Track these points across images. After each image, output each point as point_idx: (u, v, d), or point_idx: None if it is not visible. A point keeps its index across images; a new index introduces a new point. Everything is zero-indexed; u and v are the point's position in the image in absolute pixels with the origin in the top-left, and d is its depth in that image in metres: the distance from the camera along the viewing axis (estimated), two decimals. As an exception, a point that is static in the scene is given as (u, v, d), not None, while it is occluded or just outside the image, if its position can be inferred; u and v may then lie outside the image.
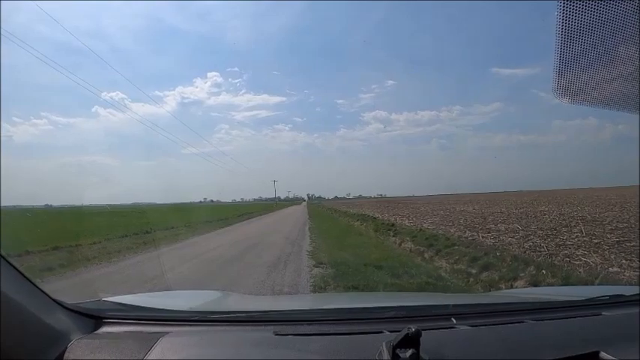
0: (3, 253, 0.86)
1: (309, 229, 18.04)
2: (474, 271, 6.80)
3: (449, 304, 1.41)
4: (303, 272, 7.13)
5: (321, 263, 7.90)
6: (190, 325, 1.16)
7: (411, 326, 0.83)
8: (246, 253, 10.17)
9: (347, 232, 16.71)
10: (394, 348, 0.84)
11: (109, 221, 22.51)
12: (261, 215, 37.98)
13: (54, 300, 1.04)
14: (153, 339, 1.00)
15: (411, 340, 0.83)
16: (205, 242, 13.36)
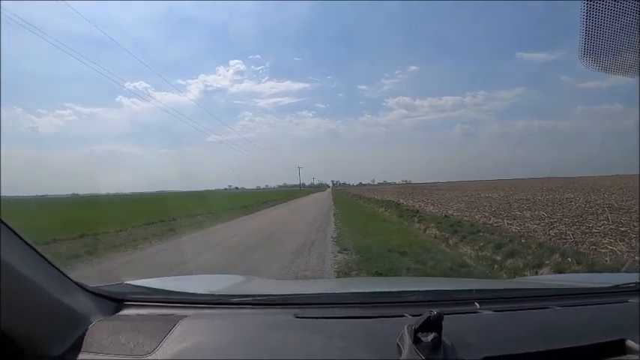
0: (25, 239, 0.88)
1: (334, 215, 18.17)
2: (498, 258, 6.82)
3: (472, 289, 1.39)
4: (327, 258, 7.20)
5: (346, 249, 8.00)
6: (210, 307, 1.16)
7: (433, 310, 0.83)
8: (270, 239, 10.29)
9: (371, 218, 16.78)
10: (416, 331, 0.83)
11: (134, 209, 23.19)
12: (285, 202, 38.21)
13: (75, 282, 1.05)
14: (173, 321, 1.02)
15: (433, 324, 0.82)
16: (229, 229, 13.48)
